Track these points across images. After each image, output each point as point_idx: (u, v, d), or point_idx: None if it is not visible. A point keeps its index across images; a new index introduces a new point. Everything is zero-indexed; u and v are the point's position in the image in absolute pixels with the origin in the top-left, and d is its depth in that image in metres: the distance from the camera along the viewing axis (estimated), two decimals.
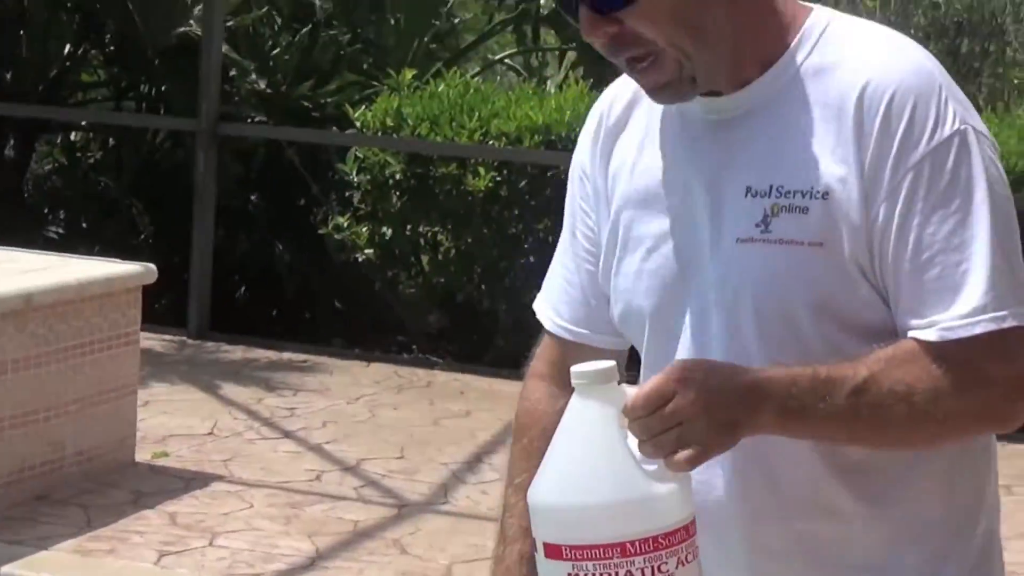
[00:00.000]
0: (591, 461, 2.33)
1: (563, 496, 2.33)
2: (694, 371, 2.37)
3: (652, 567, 2.28)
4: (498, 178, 10.67)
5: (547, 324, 2.87)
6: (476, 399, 9.77)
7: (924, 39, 23.38)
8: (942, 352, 2.44)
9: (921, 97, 2.48)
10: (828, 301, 2.51)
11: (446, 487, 8.07)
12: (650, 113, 2.71)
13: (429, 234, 11.13)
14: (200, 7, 11.82)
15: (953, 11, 23.66)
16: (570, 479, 2.33)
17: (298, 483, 8.00)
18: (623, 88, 2.77)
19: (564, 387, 2.52)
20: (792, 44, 2.59)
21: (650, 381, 2.36)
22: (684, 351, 2.60)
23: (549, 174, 10.63)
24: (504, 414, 9.33)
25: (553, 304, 2.87)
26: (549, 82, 14.07)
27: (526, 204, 10.74)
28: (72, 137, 13.85)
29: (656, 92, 2.57)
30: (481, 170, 10.64)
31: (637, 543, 2.28)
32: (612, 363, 2.35)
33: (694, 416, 2.32)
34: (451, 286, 11.22)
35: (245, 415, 9.20)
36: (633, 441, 2.32)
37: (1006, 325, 2.43)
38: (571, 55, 14.87)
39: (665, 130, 2.68)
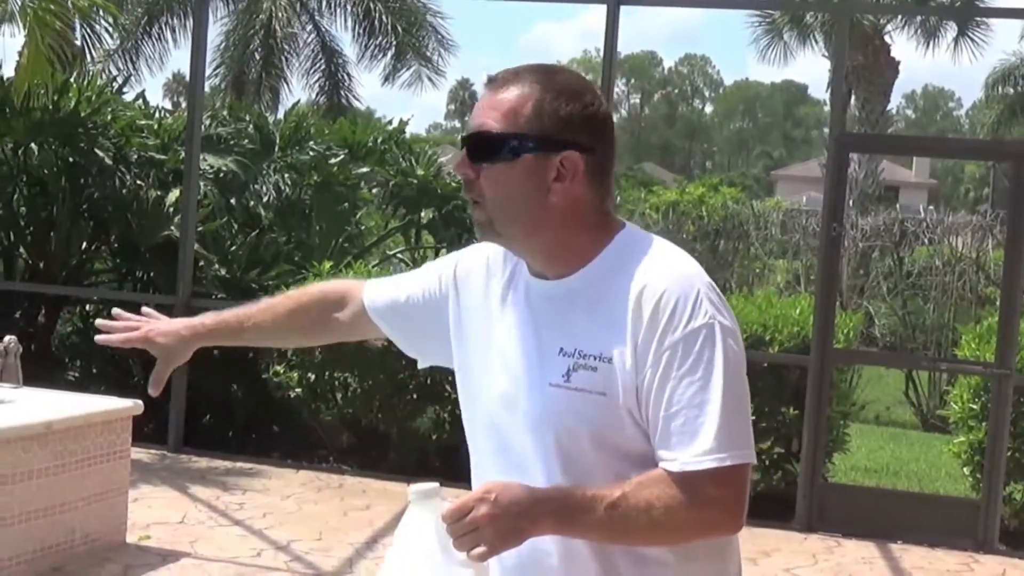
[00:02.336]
0: (415, 554, 2.47)
1: None
2: (490, 491, 2.50)
3: None
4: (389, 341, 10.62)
5: (367, 291, 3.06)
6: (375, 497, 9.68)
7: (693, 240, 23.73)
8: (679, 479, 2.51)
9: (682, 297, 2.55)
10: (607, 435, 2.59)
11: (351, 561, 7.98)
12: (505, 284, 2.78)
13: (342, 378, 11.07)
14: (179, 217, 11.79)
15: (712, 221, 24.05)
16: (401, 567, 2.48)
17: (244, 558, 7.88)
18: (475, 258, 2.87)
19: (327, 312, 3.09)
20: (603, 252, 2.66)
21: (459, 499, 2.49)
22: (508, 461, 2.67)
23: None
24: (395, 507, 9.28)
25: (379, 288, 3.06)
26: None
27: (409, 358, 10.68)
28: (87, 308, 13.74)
29: (476, 226, 2.68)
30: None
31: None
32: (436, 484, 2.49)
33: (485, 524, 2.46)
34: (357, 415, 11.16)
35: (207, 508, 9.07)
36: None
37: (726, 463, 2.51)
38: (443, 252, 14.94)
39: (516, 298, 2.75)
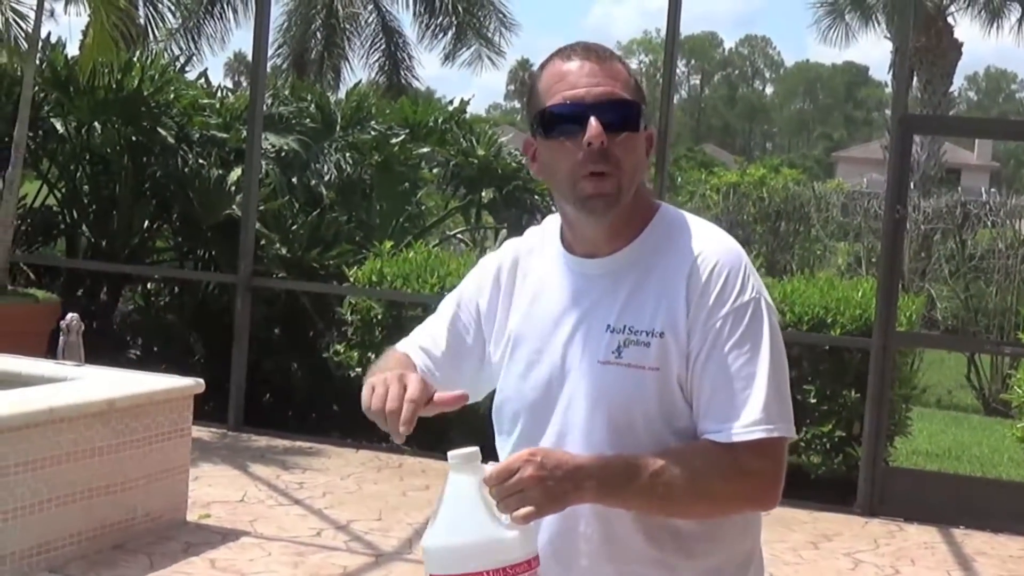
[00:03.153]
0: (460, 517, 2.39)
1: (439, 541, 2.40)
2: (535, 455, 2.44)
3: None
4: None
5: (412, 351, 2.82)
6: (434, 477, 9.67)
7: (753, 222, 23.60)
8: (725, 449, 2.52)
9: (733, 271, 2.57)
10: (658, 410, 2.57)
11: (411, 541, 7.95)
12: (544, 270, 2.75)
13: None
14: (240, 196, 11.80)
15: (773, 203, 23.88)
16: (445, 529, 2.40)
17: (304, 537, 7.88)
18: (505, 255, 2.84)
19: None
20: (647, 228, 2.65)
21: (503, 460, 2.45)
22: (550, 439, 2.63)
23: None
24: None
25: (418, 349, 2.82)
26: (488, 250, 14.07)
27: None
28: (148, 286, 13.80)
29: (598, 199, 2.57)
30: None
31: (490, 572, 2.36)
32: (476, 448, 2.41)
33: (530, 486, 2.40)
34: None
35: (267, 487, 9.08)
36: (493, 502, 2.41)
37: (773, 435, 2.52)
38: (503, 232, 14.91)
39: (554, 282, 2.72)
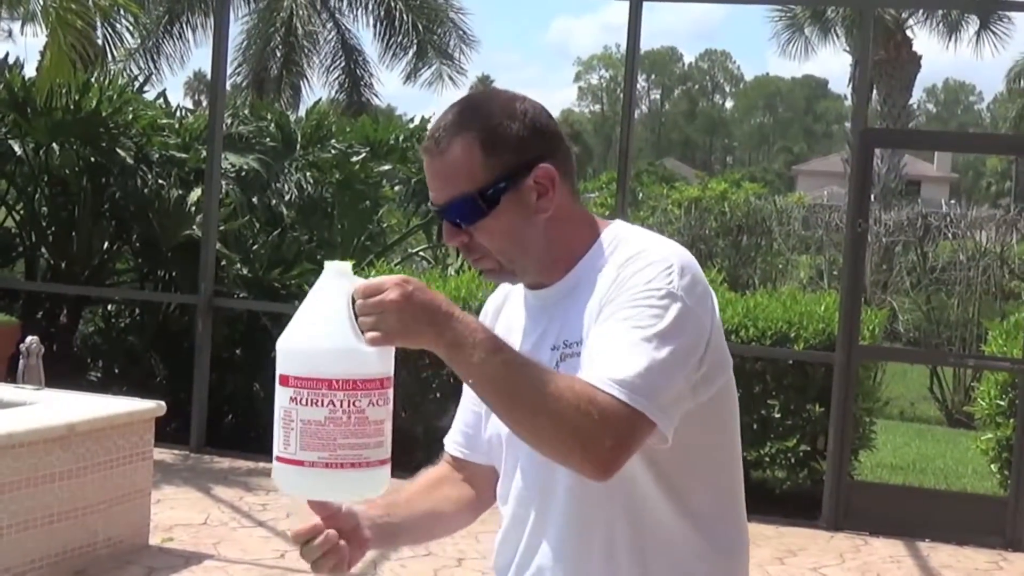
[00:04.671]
0: (320, 322, 2.38)
1: (295, 342, 2.39)
2: (408, 282, 2.39)
3: (349, 401, 2.35)
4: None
5: (448, 446, 2.94)
6: None
7: (716, 236, 23.66)
8: (592, 389, 2.42)
9: (652, 264, 2.57)
10: None
11: (375, 562, 7.90)
12: (511, 311, 2.84)
13: None
14: (200, 216, 11.76)
15: (735, 217, 23.95)
16: (303, 332, 2.39)
17: (268, 560, 7.82)
18: (497, 298, 2.92)
19: (448, 483, 2.90)
20: (589, 252, 2.70)
21: (376, 278, 2.42)
22: (514, 468, 2.72)
23: None
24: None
25: (453, 433, 2.95)
26: (450, 267, 14.06)
27: (435, 356, 10.63)
28: (108, 308, 13.74)
29: (487, 275, 2.72)
30: None
31: (339, 381, 2.35)
32: (349, 263, 2.44)
33: (391, 310, 2.35)
34: None
35: (230, 509, 9.03)
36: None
37: (636, 406, 2.42)
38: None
39: (519, 315, 2.80)
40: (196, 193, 12.43)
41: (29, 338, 9.19)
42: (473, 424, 2.91)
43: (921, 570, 8.65)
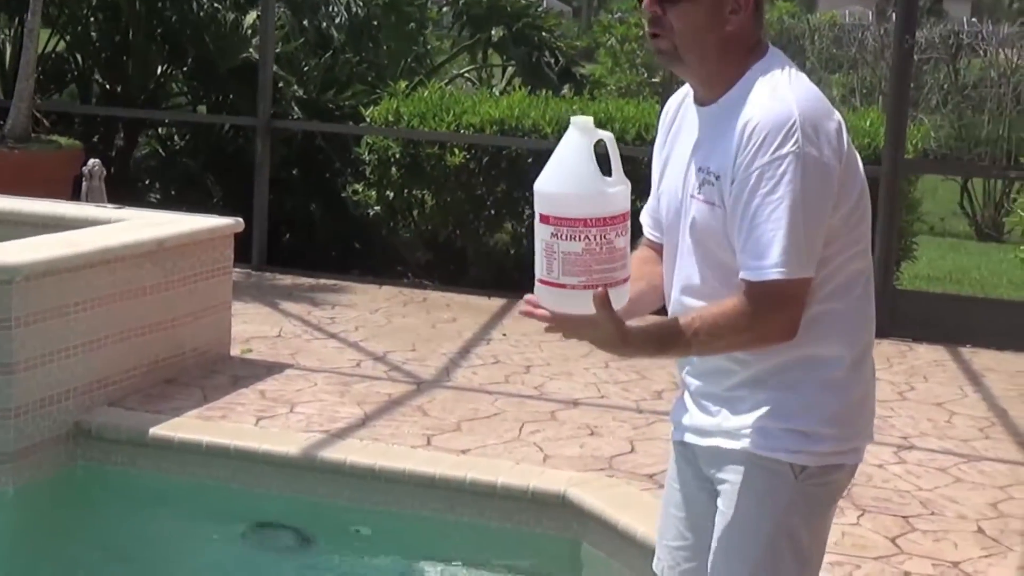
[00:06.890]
0: (571, 169, 2.80)
1: (552, 187, 2.81)
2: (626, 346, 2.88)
3: (601, 235, 2.78)
4: (467, 156, 10.74)
5: (644, 230, 3.29)
6: (459, 310, 9.84)
7: None
8: (744, 289, 2.86)
9: (775, 127, 2.82)
10: (725, 240, 2.93)
11: (447, 369, 8.16)
12: (685, 112, 3.12)
13: (419, 195, 11.16)
14: (257, 39, 11.86)
15: (768, 37, 23.75)
16: (557, 178, 2.81)
17: (345, 368, 8.09)
18: (678, 97, 3.18)
19: (653, 262, 3.21)
20: (741, 80, 2.95)
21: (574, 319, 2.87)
22: (674, 253, 3.09)
23: (503, 152, 10.75)
24: (480, 319, 9.48)
25: (644, 218, 3.30)
26: (495, 89, 14.12)
27: (487, 174, 10.79)
28: (163, 131, 13.85)
29: (658, 54, 3.01)
30: (456, 151, 10.72)
31: (592, 219, 2.77)
32: (590, 118, 2.82)
33: (587, 340, 2.92)
34: (435, 232, 11.31)
35: (300, 323, 9.25)
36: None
37: (791, 277, 2.82)
38: (510, 70, 14.95)
39: (685, 124, 3.10)
40: (251, 16, 12.49)
41: (91, 161, 9.38)
42: (657, 209, 3.22)
43: (965, 373, 8.86)
